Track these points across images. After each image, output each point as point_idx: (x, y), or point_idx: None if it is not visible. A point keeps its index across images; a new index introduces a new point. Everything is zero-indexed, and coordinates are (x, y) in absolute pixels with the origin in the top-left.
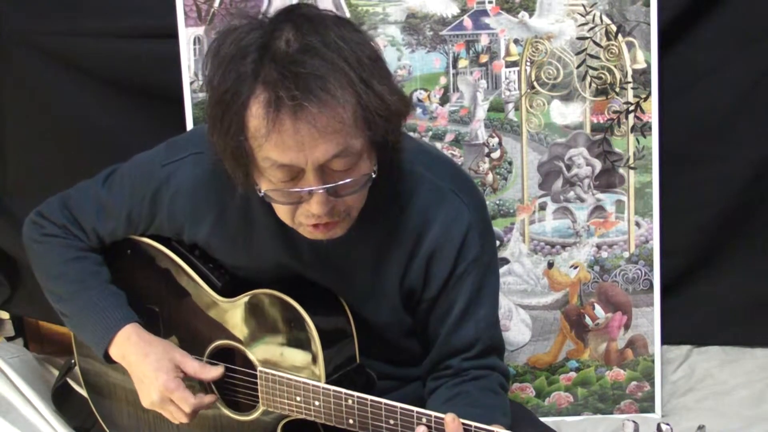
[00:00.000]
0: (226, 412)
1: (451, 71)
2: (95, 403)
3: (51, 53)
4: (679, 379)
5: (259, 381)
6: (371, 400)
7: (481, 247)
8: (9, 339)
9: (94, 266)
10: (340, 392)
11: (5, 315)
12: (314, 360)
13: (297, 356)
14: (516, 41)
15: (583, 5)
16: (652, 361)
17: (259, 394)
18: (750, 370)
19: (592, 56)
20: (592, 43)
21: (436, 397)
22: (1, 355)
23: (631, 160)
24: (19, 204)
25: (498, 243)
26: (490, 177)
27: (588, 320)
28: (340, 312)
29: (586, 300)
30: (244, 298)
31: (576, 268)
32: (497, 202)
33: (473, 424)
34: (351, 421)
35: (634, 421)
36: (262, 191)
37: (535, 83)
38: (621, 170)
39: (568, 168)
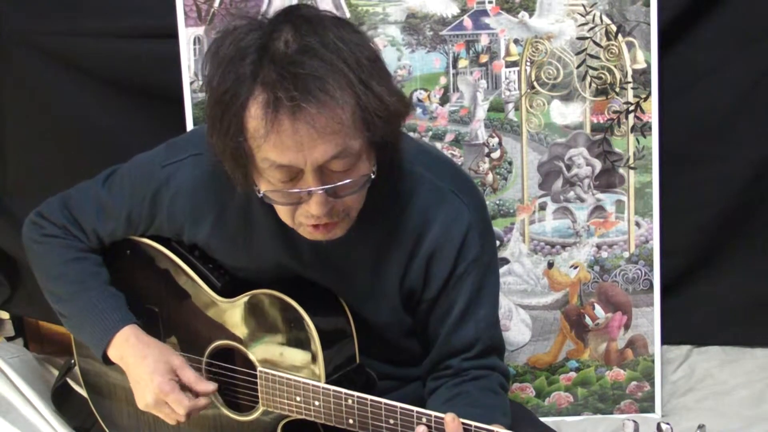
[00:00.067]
0: (226, 412)
1: (451, 71)
2: (95, 403)
3: (51, 53)
4: (679, 379)
5: (258, 381)
6: (371, 400)
7: (481, 247)
8: (9, 339)
9: (93, 267)
10: (340, 392)
11: (5, 315)
12: (314, 360)
13: (297, 356)
14: (516, 41)
15: (583, 5)
16: (652, 361)
17: (259, 394)
18: (750, 370)
19: (592, 56)
20: (592, 43)
21: (436, 397)
22: (1, 355)
23: (631, 160)
24: (19, 204)
25: (498, 243)
26: (490, 177)
27: (588, 320)
28: (340, 312)
29: (586, 300)
30: (243, 299)
31: (576, 268)
32: (497, 202)
33: (473, 423)
34: (351, 421)
35: (634, 421)
36: (262, 192)
37: (535, 83)
38: (621, 170)
39: (568, 168)
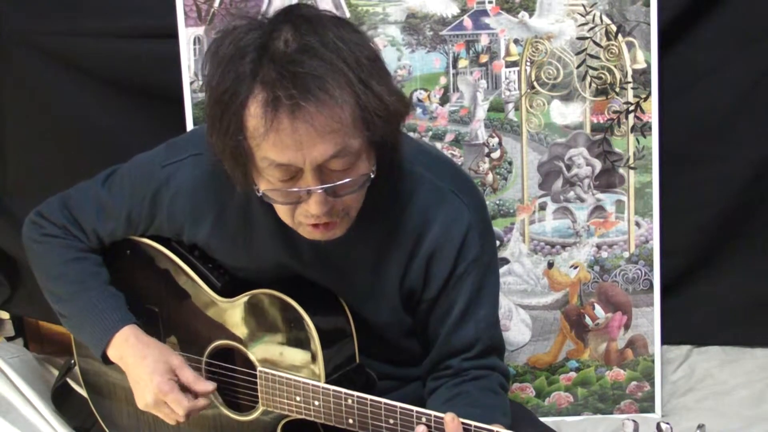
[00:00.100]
0: (226, 412)
1: (451, 71)
2: (95, 403)
3: (51, 53)
4: (679, 379)
5: (258, 381)
6: (371, 400)
7: (481, 248)
8: (9, 339)
9: (93, 267)
10: (340, 392)
11: (5, 315)
12: (314, 359)
13: (296, 356)
14: (516, 41)
15: (583, 5)
16: (652, 361)
17: (259, 394)
18: (750, 370)
19: (592, 56)
20: (592, 43)
21: (436, 397)
22: (1, 355)
23: (631, 160)
24: (19, 204)
25: (498, 243)
26: (490, 177)
27: (588, 320)
28: (340, 312)
29: (586, 300)
30: (243, 298)
31: (576, 268)
32: (497, 202)
33: (473, 423)
34: (351, 421)
35: (634, 421)
36: (261, 191)
37: (535, 83)
38: (621, 170)
39: (568, 168)
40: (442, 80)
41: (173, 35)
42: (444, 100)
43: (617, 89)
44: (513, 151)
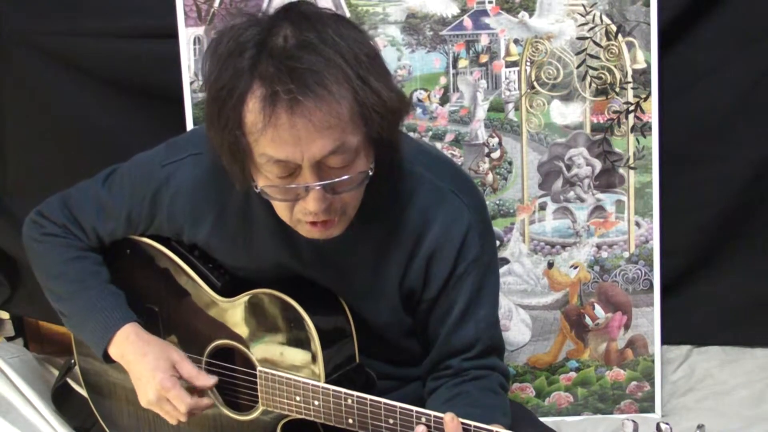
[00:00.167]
0: (226, 411)
1: (451, 71)
2: (95, 402)
3: (51, 53)
4: (679, 379)
5: (258, 381)
6: (371, 400)
7: (481, 248)
8: (9, 339)
9: (93, 266)
10: (340, 392)
11: (5, 315)
12: (314, 359)
13: (296, 356)
14: (516, 41)
15: (583, 5)
16: (652, 361)
17: (259, 394)
18: (750, 370)
19: (592, 56)
20: (592, 43)
21: (436, 397)
22: (1, 355)
23: (631, 160)
24: (19, 204)
25: (498, 243)
26: (490, 177)
27: (588, 320)
28: (340, 312)
29: (586, 300)
30: (243, 298)
31: (576, 268)
32: (497, 202)
33: (473, 423)
34: (350, 421)
35: (634, 421)
36: (259, 188)
37: (535, 83)
38: (621, 170)
39: (568, 168)
40: (442, 80)
41: (173, 35)
42: (444, 100)
43: (617, 89)
44: (513, 151)
